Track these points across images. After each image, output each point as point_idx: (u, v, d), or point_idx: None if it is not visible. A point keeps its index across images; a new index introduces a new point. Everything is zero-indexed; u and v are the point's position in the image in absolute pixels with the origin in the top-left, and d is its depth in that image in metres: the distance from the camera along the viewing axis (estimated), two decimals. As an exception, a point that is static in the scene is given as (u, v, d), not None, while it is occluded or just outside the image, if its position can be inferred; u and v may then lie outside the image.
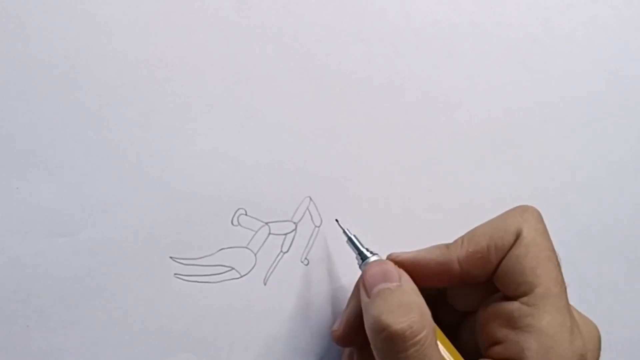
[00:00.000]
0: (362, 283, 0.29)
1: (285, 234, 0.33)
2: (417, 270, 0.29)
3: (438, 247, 0.29)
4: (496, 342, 0.27)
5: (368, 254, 0.30)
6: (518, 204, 0.30)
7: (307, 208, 0.34)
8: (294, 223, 0.33)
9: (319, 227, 0.34)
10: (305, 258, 0.34)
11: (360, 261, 0.31)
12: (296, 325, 0.33)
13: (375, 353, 0.26)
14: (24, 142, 0.29)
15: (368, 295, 0.28)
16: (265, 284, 0.33)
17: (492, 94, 0.38)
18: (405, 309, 0.26)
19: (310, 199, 0.34)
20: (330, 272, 0.34)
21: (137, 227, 0.31)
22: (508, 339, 0.27)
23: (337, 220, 0.33)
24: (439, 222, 0.36)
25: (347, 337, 0.30)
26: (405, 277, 0.28)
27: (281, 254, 0.33)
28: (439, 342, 0.28)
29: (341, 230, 0.32)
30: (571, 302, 0.29)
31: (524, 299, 0.27)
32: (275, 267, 0.33)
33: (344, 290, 0.34)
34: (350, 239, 0.31)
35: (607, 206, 0.40)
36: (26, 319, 0.29)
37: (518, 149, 0.38)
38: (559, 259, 0.28)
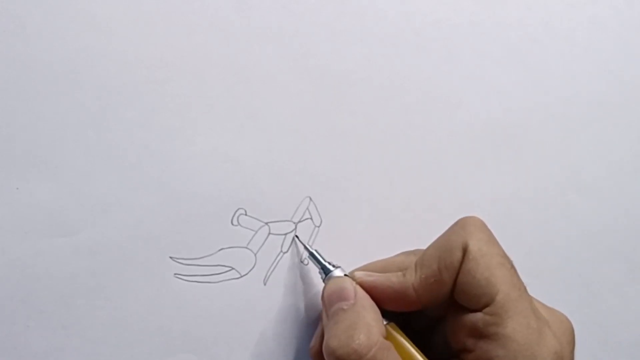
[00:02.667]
0: (322, 302, 0.30)
1: (285, 234, 0.33)
2: (375, 296, 0.29)
3: (395, 274, 0.30)
4: (466, 350, 0.28)
5: (330, 267, 0.31)
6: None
7: (307, 208, 0.34)
8: (294, 223, 0.33)
9: (319, 227, 0.34)
10: (305, 258, 0.34)
11: (324, 275, 0.31)
12: (296, 325, 0.33)
13: None
14: (24, 142, 0.29)
15: (327, 315, 0.29)
16: (265, 284, 0.33)
17: (492, 94, 0.38)
18: (352, 332, 0.27)
19: (310, 199, 0.34)
20: (330, 272, 0.34)
21: (137, 227, 0.31)
22: (477, 347, 0.27)
23: (297, 236, 0.33)
24: (439, 222, 0.36)
25: (322, 354, 0.30)
26: (360, 294, 0.29)
27: (281, 254, 0.33)
28: (409, 347, 0.28)
29: (302, 247, 0.33)
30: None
31: (487, 309, 0.27)
32: (275, 267, 0.33)
33: (344, 290, 0.34)
34: (311, 254, 0.32)
35: (607, 206, 0.40)
36: (26, 319, 0.29)
37: (518, 149, 0.38)
38: (512, 263, 0.29)
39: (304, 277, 0.33)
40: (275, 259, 0.33)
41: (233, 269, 0.32)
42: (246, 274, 0.32)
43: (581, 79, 0.40)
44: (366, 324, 0.27)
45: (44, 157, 0.29)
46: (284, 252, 0.33)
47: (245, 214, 0.32)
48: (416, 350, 0.28)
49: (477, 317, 0.27)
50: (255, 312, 0.32)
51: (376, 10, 0.35)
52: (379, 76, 0.35)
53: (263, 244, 0.33)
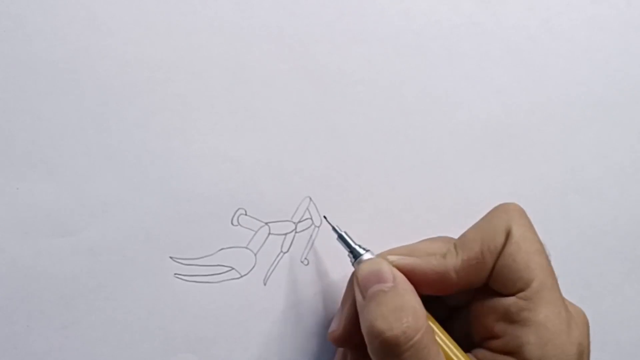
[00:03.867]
0: (356, 283, 0.29)
1: (285, 234, 0.33)
2: (413, 279, 0.28)
3: (434, 256, 0.29)
4: (494, 337, 0.28)
5: (361, 250, 0.30)
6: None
7: (307, 208, 0.34)
8: (294, 223, 0.33)
9: (319, 227, 0.34)
10: (305, 258, 0.34)
11: (353, 259, 0.30)
12: (296, 325, 0.33)
13: (372, 356, 0.27)
14: (24, 142, 0.29)
15: (363, 297, 0.28)
16: (265, 284, 0.33)
17: (492, 94, 0.38)
18: (399, 313, 0.26)
19: (310, 199, 0.34)
20: (330, 272, 0.34)
21: (137, 227, 0.31)
22: (506, 333, 0.27)
23: (325, 217, 0.33)
24: (438, 222, 0.36)
25: (345, 338, 0.30)
26: (399, 277, 0.28)
27: (281, 254, 0.33)
28: (438, 338, 0.28)
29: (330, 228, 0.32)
30: (571, 302, 0.29)
31: (520, 294, 0.27)
32: (275, 267, 0.33)
33: (344, 290, 0.34)
34: (340, 236, 0.31)
35: (607, 206, 0.40)
36: (26, 319, 0.29)
37: (518, 149, 0.38)
38: (548, 252, 0.29)
39: (304, 277, 0.33)
40: (275, 259, 0.33)
41: (233, 269, 0.32)
42: (246, 274, 0.32)
43: (581, 79, 0.40)
44: (412, 307, 0.26)
45: (44, 157, 0.29)
46: (284, 252, 0.33)
47: (245, 214, 0.32)
48: (447, 339, 0.28)
49: (510, 301, 0.27)
50: (255, 312, 0.32)
51: (376, 10, 0.35)
52: (379, 76, 0.35)
53: (263, 244, 0.33)
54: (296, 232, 0.33)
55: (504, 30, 0.38)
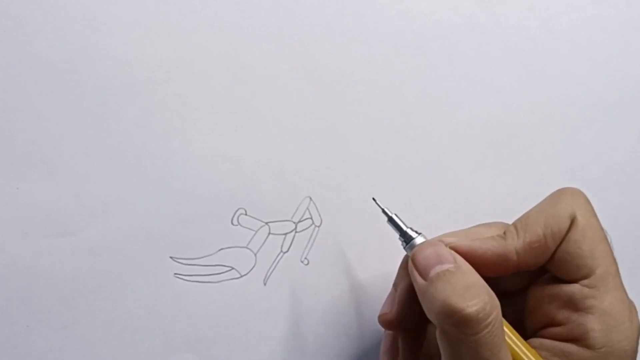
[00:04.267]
0: (414, 266, 0.28)
1: (285, 234, 0.33)
2: (472, 261, 0.28)
3: (493, 237, 0.28)
4: (554, 324, 0.27)
5: (413, 233, 0.29)
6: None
7: (307, 208, 0.34)
8: (294, 223, 0.33)
9: (319, 227, 0.34)
10: (305, 258, 0.34)
11: (404, 243, 0.29)
12: (296, 325, 0.33)
13: (441, 337, 0.26)
14: (24, 142, 0.29)
15: (424, 278, 0.27)
16: (265, 284, 0.33)
17: (492, 94, 0.38)
18: (474, 291, 0.25)
19: (310, 199, 0.34)
20: (330, 272, 0.34)
21: (137, 227, 0.31)
22: (570, 320, 0.27)
23: (374, 199, 0.31)
24: (439, 222, 0.36)
25: (399, 320, 0.30)
26: (460, 259, 0.27)
27: (281, 254, 0.33)
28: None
29: (380, 210, 0.30)
30: None
31: (585, 281, 0.27)
32: (275, 267, 0.33)
33: (344, 290, 0.34)
34: (391, 219, 0.30)
35: (607, 206, 0.40)
36: (26, 319, 0.29)
37: (518, 149, 0.38)
38: (610, 238, 0.28)
39: (304, 277, 0.33)
40: (275, 259, 0.33)
41: (233, 269, 0.32)
42: (246, 274, 0.32)
43: (581, 79, 0.40)
44: (483, 285, 0.26)
45: (44, 157, 0.29)
46: (284, 252, 0.33)
47: (245, 214, 0.32)
48: (506, 325, 0.27)
49: (574, 288, 0.27)
50: (255, 312, 0.32)
51: (376, 10, 0.35)
52: (379, 76, 0.35)
53: (263, 244, 0.33)
54: (296, 232, 0.33)
55: (504, 30, 0.38)
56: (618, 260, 0.29)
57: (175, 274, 0.31)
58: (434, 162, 0.36)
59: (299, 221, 0.33)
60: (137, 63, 0.31)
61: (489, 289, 0.26)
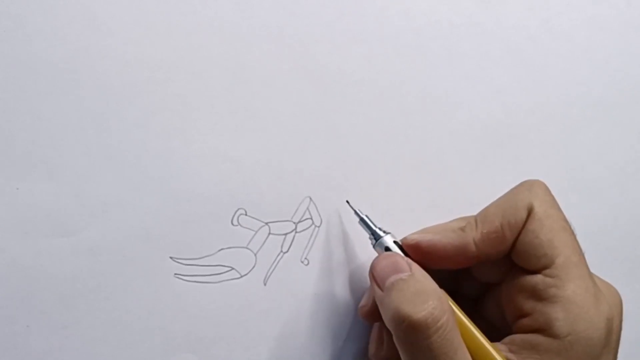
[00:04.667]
0: (372, 278, 0.29)
1: (285, 234, 0.33)
2: (433, 253, 0.29)
3: (453, 230, 0.30)
4: (523, 315, 0.28)
5: (381, 233, 0.31)
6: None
7: (307, 208, 0.34)
8: (294, 223, 0.33)
9: (319, 227, 0.34)
10: (305, 258, 0.34)
11: (374, 241, 0.31)
12: (296, 325, 0.33)
13: (397, 344, 0.27)
14: (24, 142, 0.29)
15: (381, 289, 0.28)
16: (265, 284, 0.33)
17: (492, 94, 0.38)
18: (423, 296, 0.26)
19: (310, 199, 0.34)
20: (330, 272, 0.34)
21: (137, 227, 0.31)
22: (535, 310, 0.27)
23: (347, 201, 0.33)
24: (438, 222, 0.36)
25: (375, 312, 0.31)
26: (415, 266, 0.28)
27: (281, 254, 0.33)
28: (463, 319, 0.28)
29: (352, 212, 0.32)
30: (603, 279, 0.29)
31: (546, 271, 0.27)
32: (275, 267, 0.33)
33: (344, 290, 0.34)
34: (362, 219, 0.32)
35: (607, 206, 0.40)
36: (26, 319, 0.29)
37: (518, 149, 0.38)
38: (573, 229, 0.29)
39: (304, 277, 0.33)
40: (275, 259, 0.33)
41: (233, 269, 0.32)
42: (246, 274, 0.32)
43: (581, 79, 0.40)
44: (434, 289, 0.27)
45: (44, 157, 0.29)
46: (284, 252, 0.33)
47: (245, 214, 0.32)
48: (468, 320, 0.28)
49: (537, 278, 0.27)
50: (255, 312, 0.32)
51: (376, 10, 0.35)
52: (379, 76, 0.35)
53: (263, 244, 0.33)
54: (296, 232, 0.33)
55: (504, 30, 0.38)
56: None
57: (175, 274, 0.31)
58: (434, 162, 0.36)
59: (299, 221, 0.33)
60: (137, 63, 0.31)
61: (441, 293, 0.27)
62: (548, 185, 0.30)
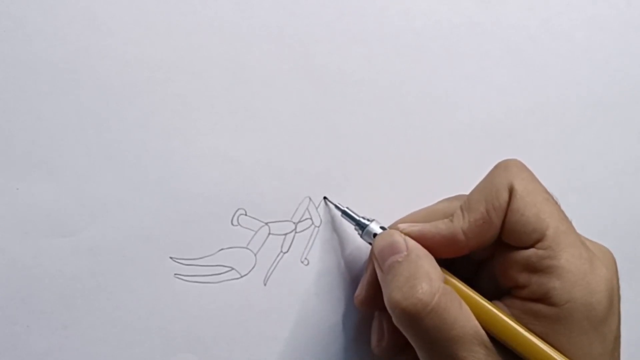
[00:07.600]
0: (374, 258, 0.30)
1: (285, 234, 0.33)
2: (424, 244, 0.29)
3: (442, 221, 0.30)
4: (519, 287, 0.28)
5: (365, 221, 0.32)
6: None
7: (307, 208, 0.34)
8: (294, 223, 0.33)
9: (319, 227, 0.34)
10: (305, 258, 0.34)
11: (360, 231, 0.32)
12: (296, 325, 0.33)
13: (397, 324, 0.28)
14: (24, 142, 0.29)
15: (382, 270, 0.29)
16: (265, 284, 0.33)
17: (492, 94, 0.38)
18: (412, 282, 0.27)
19: (310, 199, 0.34)
20: (330, 272, 0.34)
21: (137, 227, 0.31)
22: (531, 282, 0.27)
23: (325, 197, 0.34)
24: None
25: (369, 302, 0.32)
26: (412, 244, 0.29)
27: (281, 254, 0.33)
28: (466, 289, 0.28)
29: (333, 207, 0.33)
30: (596, 242, 0.29)
31: (538, 244, 0.27)
32: (275, 267, 0.33)
33: (344, 289, 0.34)
34: (344, 212, 0.33)
35: (607, 206, 0.40)
36: (26, 319, 0.29)
37: (518, 149, 0.38)
38: (555, 198, 0.29)
39: (304, 277, 0.33)
40: (275, 259, 0.33)
41: (233, 269, 0.32)
42: (246, 274, 0.32)
43: (581, 79, 0.40)
44: (425, 273, 0.27)
45: (44, 157, 0.29)
46: (284, 252, 0.33)
47: (245, 214, 0.32)
48: (472, 291, 0.28)
49: (530, 252, 0.28)
50: (255, 312, 0.32)
51: (376, 10, 0.35)
52: (379, 76, 0.35)
53: (263, 244, 0.33)
54: (296, 232, 0.33)
55: (504, 30, 0.38)
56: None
57: (175, 274, 0.31)
58: (434, 162, 0.36)
59: (299, 221, 0.33)
60: (137, 63, 0.31)
61: (432, 274, 0.27)
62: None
